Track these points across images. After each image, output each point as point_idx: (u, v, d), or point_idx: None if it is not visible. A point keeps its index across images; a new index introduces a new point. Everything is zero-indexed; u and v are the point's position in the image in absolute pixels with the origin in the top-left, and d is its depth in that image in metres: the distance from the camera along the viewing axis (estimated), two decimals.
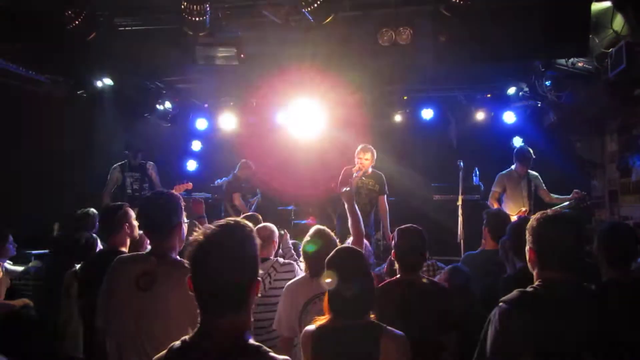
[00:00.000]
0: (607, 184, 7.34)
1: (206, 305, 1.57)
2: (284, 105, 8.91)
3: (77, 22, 4.89)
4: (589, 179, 7.66)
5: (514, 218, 5.88)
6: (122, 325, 2.44)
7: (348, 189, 3.60)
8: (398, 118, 9.01)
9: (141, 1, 5.27)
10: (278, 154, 9.55)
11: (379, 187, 6.42)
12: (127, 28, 5.44)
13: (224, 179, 8.88)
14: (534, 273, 2.24)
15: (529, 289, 2.17)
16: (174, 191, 6.63)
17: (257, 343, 1.60)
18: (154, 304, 2.40)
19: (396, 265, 3.23)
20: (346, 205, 3.60)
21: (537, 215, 2.27)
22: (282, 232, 4.25)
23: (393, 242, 3.31)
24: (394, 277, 3.25)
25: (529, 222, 2.28)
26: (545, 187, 6.75)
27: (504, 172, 6.83)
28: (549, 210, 2.34)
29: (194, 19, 4.73)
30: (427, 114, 8.94)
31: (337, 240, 3.38)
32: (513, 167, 6.78)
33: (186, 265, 1.67)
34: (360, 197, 6.18)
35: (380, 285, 3.18)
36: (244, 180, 7.75)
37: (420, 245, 3.20)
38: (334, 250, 2.43)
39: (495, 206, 6.52)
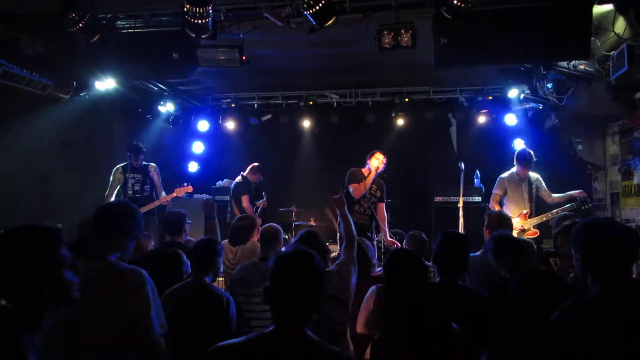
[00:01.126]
0: (609, 186, 7.26)
1: (282, 310, 1.87)
2: (285, 105, 9.06)
3: (80, 25, 4.92)
4: (590, 182, 7.60)
5: (515, 220, 6.17)
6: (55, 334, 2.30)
7: (338, 196, 3.58)
8: (400, 120, 8.98)
9: (144, 3, 5.27)
10: (280, 154, 9.74)
11: (380, 194, 6.40)
12: (129, 30, 5.45)
13: (225, 180, 9.10)
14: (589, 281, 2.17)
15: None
16: (173, 194, 6.73)
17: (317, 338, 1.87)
18: (84, 313, 2.30)
19: None
20: (338, 211, 3.60)
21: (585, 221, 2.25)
22: (287, 236, 4.27)
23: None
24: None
25: (577, 228, 2.25)
26: (546, 188, 6.72)
27: (505, 174, 6.79)
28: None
29: (196, 21, 4.70)
30: (428, 116, 8.90)
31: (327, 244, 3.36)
32: (514, 169, 6.74)
33: (135, 272, 1.84)
34: (364, 200, 6.19)
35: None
36: (253, 183, 7.73)
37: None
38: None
39: (497, 209, 6.45)
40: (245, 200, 7.45)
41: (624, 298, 2.03)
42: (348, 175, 6.22)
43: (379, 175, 6.34)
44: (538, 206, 6.67)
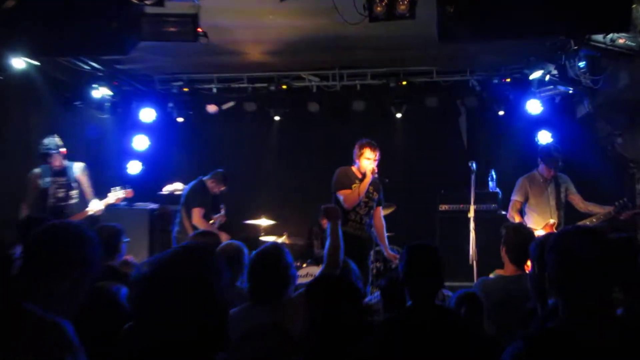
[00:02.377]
0: None
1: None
2: (252, 90, 9.15)
3: None
4: (632, 183, 7.60)
5: (539, 233, 6.00)
6: None
7: (333, 205, 3.67)
8: (395, 108, 9.09)
9: None
10: (247, 152, 9.84)
11: (377, 196, 6.51)
12: None
13: (176, 184, 9.12)
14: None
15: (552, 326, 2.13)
16: (108, 199, 6.65)
17: None
18: None
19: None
20: (329, 226, 3.68)
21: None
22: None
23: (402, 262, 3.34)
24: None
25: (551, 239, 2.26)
26: (577, 193, 6.81)
27: (526, 175, 6.89)
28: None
29: None
30: (431, 103, 9.01)
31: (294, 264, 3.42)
32: (538, 169, 6.85)
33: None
34: (359, 207, 6.29)
35: None
36: (213, 194, 7.74)
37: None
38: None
39: (517, 219, 6.57)
40: (197, 214, 7.36)
41: (603, 330, 2.06)
42: (335, 178, 6.29)
43: (379, 180, 6.47)
44: (568, 214, 6.76)
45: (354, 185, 6.16)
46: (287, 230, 8.46)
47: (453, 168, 8.39)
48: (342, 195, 6.12)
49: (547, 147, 6.89)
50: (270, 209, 8.82)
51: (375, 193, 6.42)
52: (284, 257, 3.34)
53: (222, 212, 7.85)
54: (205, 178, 7.72)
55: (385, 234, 6.53)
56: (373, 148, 6.27)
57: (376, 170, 6.20)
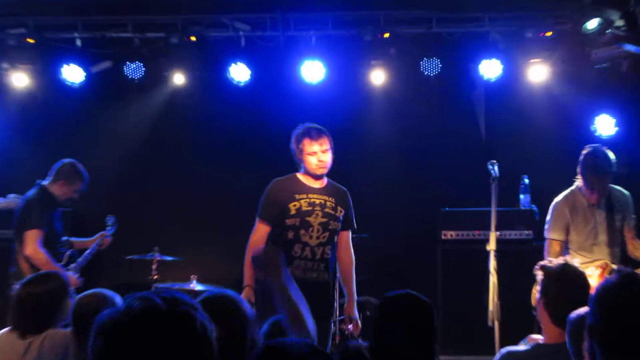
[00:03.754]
0: None
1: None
2: (140, 43, 8.77)
3: None
4: None
5: (594, 279, 6.05)
6: None
7: (268, 249, 3.84)
8: (375, 75, 8.65)
9: None
10: (131, 143, 9.55)
11: (342, 212, 6.31)
12: None
13: (10, 197, 8.77)
14: None
15: None
16: None
17: None
18: None
19: None
20: (271, 279, 3.66)
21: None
22: None
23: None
24: None
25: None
26: (634, 226, 6.77)
27: (563, 196, 6.74)
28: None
29: None
30: (429, 67, 8.45)
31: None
32: (578, 184, 6.68)
33: None
34: (307, 228, 6.15)
35: None
36: (61, 201, 7.40)
37: None
38: None
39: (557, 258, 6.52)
40: (31, 240, 6.91)
41: None
42: (261, 200, 6.32)
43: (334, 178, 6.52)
44: (627, 252, 6.72)
45: (293, 204, 6.15)
46: (198, 273, 7.99)
47: (463, 171, 8.41)
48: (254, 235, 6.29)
49: (592, 154, 6.60)
50: (170, 237, 8.76)
51: (339, 208, 6.29)
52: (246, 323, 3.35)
53: (107, 234, 7.72)
54: (45, 182, 7.33)
55: (353, 276, 6.43)
56: (315, 135, 6.19)
57: (326, 165, 6.20)
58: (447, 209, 8.54)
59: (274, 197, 6.21)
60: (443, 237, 8.41)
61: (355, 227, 6.62)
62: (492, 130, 9.31)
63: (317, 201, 6.26)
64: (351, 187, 6.70)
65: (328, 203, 6.29)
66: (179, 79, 8.95)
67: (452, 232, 8.41)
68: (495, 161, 6.49)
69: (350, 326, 6.26)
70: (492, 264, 6.26)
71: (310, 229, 6.14)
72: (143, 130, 9.71)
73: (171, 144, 9.89)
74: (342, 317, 7.00)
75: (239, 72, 8.71)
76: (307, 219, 6.14)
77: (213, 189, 9.44)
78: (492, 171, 6.41)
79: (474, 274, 6.99)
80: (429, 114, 9.23)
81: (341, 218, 6.36)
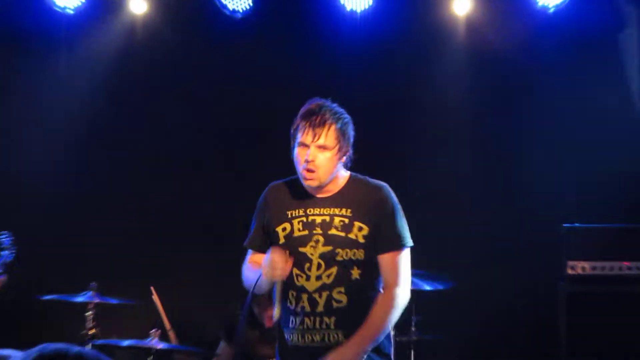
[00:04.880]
0: None
1: None
2: None
3: None
4: None
5: None
6: None
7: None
8: (458, 3, 7.55)
9: None
10: (68, 117, 8.09)
11: (366, 229, 4.69)
12: None
13: None
14: None
15: None
16: None
17: None
18: None
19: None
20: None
21: None
22: None
23: None
24: None
25: None
26: None
27: None
28: None
29: None
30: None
31: None
32: None
33: None
34: (302, 265, 4.66)
35: None
36: None
37: None
38: None
39: None
40: None
41: None
42: (255, 213, 4.89)
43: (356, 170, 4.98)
44: None
45: (282, 226, 4.74)
46: (161, 321, 7.22)
47: (597, 163, 7.07)
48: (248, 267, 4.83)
49: None
50: (118, 268, 7.65)
51: (356, 224, 4.72)
52: None
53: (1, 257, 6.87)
54: None
55: (382, 318, 4.73)
56: (313, 117, 4.60)
57: (317, 175, 4.60)
58: (573, 225, 6.83)
59: (261, 214, 4.81)
60: (570, 271, 6.68)
61: (408, 243, 4.67)
62: None
63: (319, 219, 4.68)
64: (401, 196, 4.76)
65: (337, 219, 4.70)
66: (137, 4, 7.52)
67: (585, 264, 6.74)
68: None
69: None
70: None
71: (307, 264, 4.59)
72: (78, 95, 7.93)
73: (123, 117, 8.09)
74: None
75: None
76: (301, 249, 4.59)
77: (189, 194, 7.85)
78: None
79: (621, 331, 6.13)
80: (540, 68, 7.44)
81: (363, 241, 4.63)
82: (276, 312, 4.11)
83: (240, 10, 7.27)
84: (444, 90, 7.57)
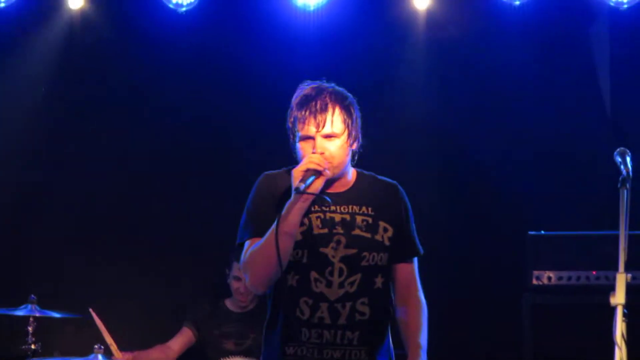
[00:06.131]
0: None
1: None
2: None
3: None
4: None
5: None
6: None
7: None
8: None
9: None
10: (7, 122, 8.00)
11: (390, 230, 4.39)
12: None
13: None
14: None
15: None
16: None
17: None
18: None
19: None
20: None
21: None
22: None
23: None
24: None
25: None
26: None
27: None
28: None
29: None
30: None
31: None
32: None
33: None
34: (322, 268, 4.26)
35: None
36: None
37: None
38: None
39: None
40: None
41: None
42: (250, 205, 4.39)
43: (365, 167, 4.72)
44: None
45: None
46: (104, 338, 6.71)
47: (563, 169, 7.21)
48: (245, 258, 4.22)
49: None
50: (60, 278, 7.47)
51: (381, 225, 4.32)
52: None
53: None
54: None
55: (422, 325, 4.35)
56: (313, 105, 4.09)
57: (333, 166, 4.04)
58: (539, 232, 6.62)
59: (264, 202, 4.21)
60: (535, 281, 6.50)
61: (421, 251, 4.45)
62: (622, 98, 7.48)
63: (338, 217, 4.20)
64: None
65: (359, 218, 4.25)
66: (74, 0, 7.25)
67: (550, 274, 6.55)
68: (626, 150, 4.20)
69: None
70: (620, 328, 3.94)
71: (328, 268, 4.16)
72: (17, 99, 7.64)
73: (67, 120, 7.72)
74: None
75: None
76: (322, 250, 4.17)
77: (130, 200, 7.49)
78: (621, 167, 4.11)
79: (588, 344, 5.82)
80: (508, 66, 7.28)
81: (389, 244, 4.29)
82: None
83: (184, 4, 7.00)
84: (404, 89, 7.38)
